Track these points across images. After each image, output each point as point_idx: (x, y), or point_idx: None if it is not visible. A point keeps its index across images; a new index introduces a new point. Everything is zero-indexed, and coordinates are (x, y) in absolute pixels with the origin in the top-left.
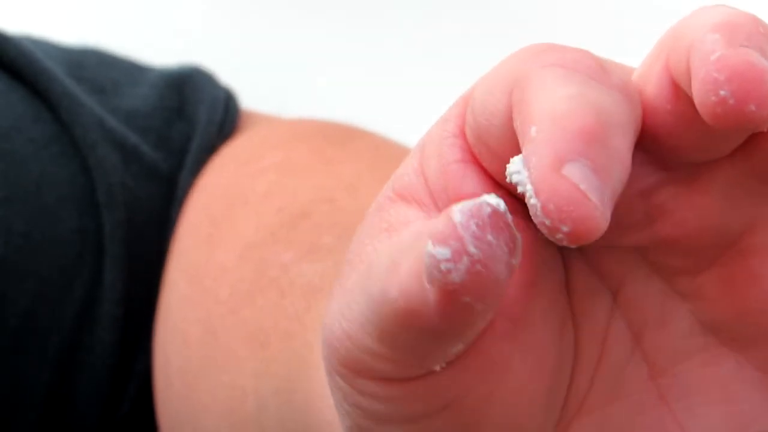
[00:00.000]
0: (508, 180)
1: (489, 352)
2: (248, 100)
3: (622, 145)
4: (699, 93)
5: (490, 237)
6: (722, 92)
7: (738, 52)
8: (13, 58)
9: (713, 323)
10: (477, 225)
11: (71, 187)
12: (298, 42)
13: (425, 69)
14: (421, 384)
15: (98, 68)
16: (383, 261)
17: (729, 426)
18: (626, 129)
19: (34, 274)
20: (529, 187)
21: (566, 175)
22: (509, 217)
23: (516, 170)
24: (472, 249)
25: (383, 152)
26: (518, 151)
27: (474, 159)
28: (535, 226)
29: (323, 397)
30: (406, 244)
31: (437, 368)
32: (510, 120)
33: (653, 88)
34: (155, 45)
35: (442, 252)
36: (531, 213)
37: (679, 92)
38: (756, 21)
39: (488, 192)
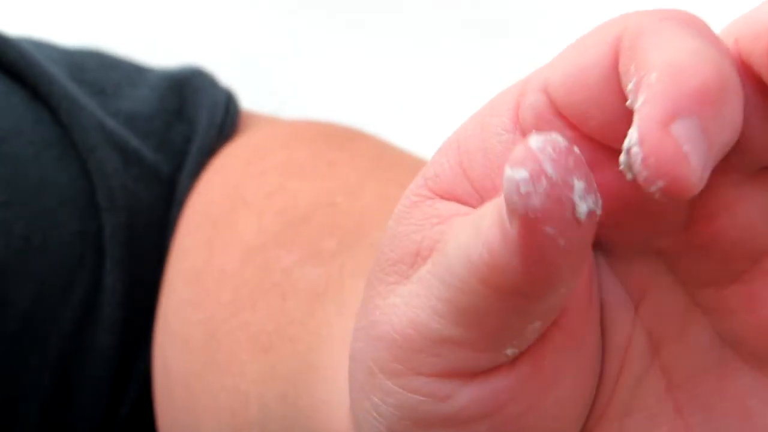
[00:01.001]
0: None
1: (544, 361)
2: (248, 100)
3: (736, 108)
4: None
5: (568, 161)
6: None
7: None
8: (13, 61)
9: (733, 338)
10: (554, 150)
11: (71, 190)
12: (298, 42)
13: (425, 70)
14: (479, 382)
15: (99, 70)
16: (459, 238)
17: None
18: (741, 91)
19: (35, 277)
20: (635, 134)
21: (673, 133)
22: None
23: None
24: (550, 170)
25: (384, 155)
26: (619, 113)
27: None
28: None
29: (328, 403)
30: (483, 212)
31: (509, 353)
32: (610, 72)
33: None
34: (155, 46)
35: (521, 173)
36: (627, 160)
37: (747, 77)
38: None
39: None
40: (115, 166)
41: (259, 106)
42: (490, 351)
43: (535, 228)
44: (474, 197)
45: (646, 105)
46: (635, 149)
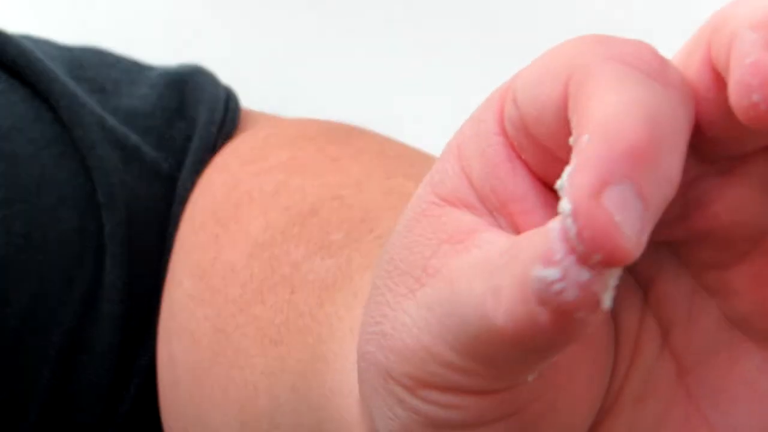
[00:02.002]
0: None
1: (561, 363)
2: (248, 99)
3: (674, 161)
4: (733, 94)
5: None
6: (755, 97)
7: None
8: (13, 58)
9: (740, 319)
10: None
11: (71, 188)
12: (298, 41)
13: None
14: (499, 394)
15: (98, 68)
16: (473, 285)
17: (756, 423)
18: (680, 139)
19: (35, 275)
20: (568, 207)
21: (605, 203)
22: None
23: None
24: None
25: (388, 150)
26: (568, 145)
27: (519, 157)
28: None
29: (339, 392)
30: (498, 266)
31: (529, 380)
32: (564, 110)
33: (694, 75)
34: (155, 44)
35: (552, 273)
36: (565, 230)
37: (720, 81)
38: None
39: (537, 192)
40: (114, 164)
41: (259, 104)
42: (508, 382)
43: (569, 316)
44: (477, 203)
45: (578, 174)
46: (569, 222)
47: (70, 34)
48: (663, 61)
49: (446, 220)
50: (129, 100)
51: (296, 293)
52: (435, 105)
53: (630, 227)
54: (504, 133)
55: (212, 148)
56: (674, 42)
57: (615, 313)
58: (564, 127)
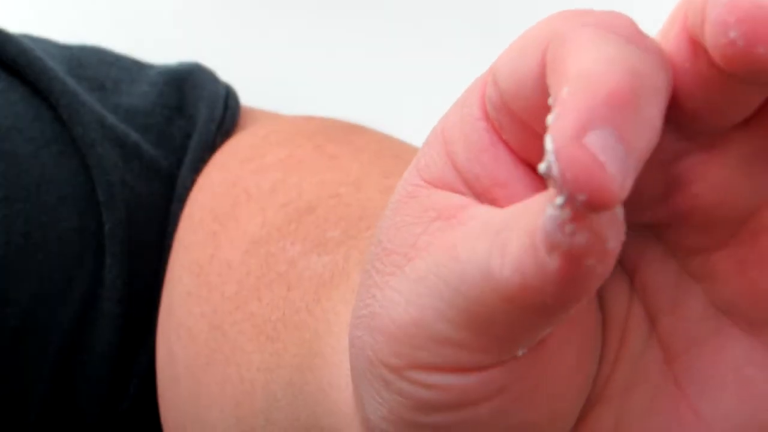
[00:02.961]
0: (540, 170)
1: (546, 344)
2: (247, 97)
3: (654, 111)
4: (710, 35)
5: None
6: (732, 34)
7: None
8: (13, 57)
9: (726, 305)
10: None
11: (71, 186)
12: (298, 40)
13: (424, 69)
14: (486, 371)
15: (98, 66)
16: (476, 246)
17: (743, 409)
18: (660, 94)
19: (35, 274)
20: (551, 149)
21: (587, 144)
22: None
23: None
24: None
25: (386, 148)
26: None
27: (502, 140)
28: None
29: (336, 386)
30: (505, 222)
31: (518, 354)
32: (542, 82)
33: (672, 47)
34: (155, 44)
35: (565, 213)
36: (549, 173)
37: (698, 50)
38: None
39: (521, 176)
40: (114, 162)
41: (259, 102)
42: (498, 354)
43: (578, 263)
44: (463, 188)
45: (559, 120)
46: (553, 166)
47: (70, 33)
48: (641, 31)
49: (436, 199)
50: (129, 98)
51: (293, 290)
52: (435, 104)
53: (614, 167)
54: (487, 117)
55: (212, 145)
56: None
57: (602, 301)
58: (543, 98)
